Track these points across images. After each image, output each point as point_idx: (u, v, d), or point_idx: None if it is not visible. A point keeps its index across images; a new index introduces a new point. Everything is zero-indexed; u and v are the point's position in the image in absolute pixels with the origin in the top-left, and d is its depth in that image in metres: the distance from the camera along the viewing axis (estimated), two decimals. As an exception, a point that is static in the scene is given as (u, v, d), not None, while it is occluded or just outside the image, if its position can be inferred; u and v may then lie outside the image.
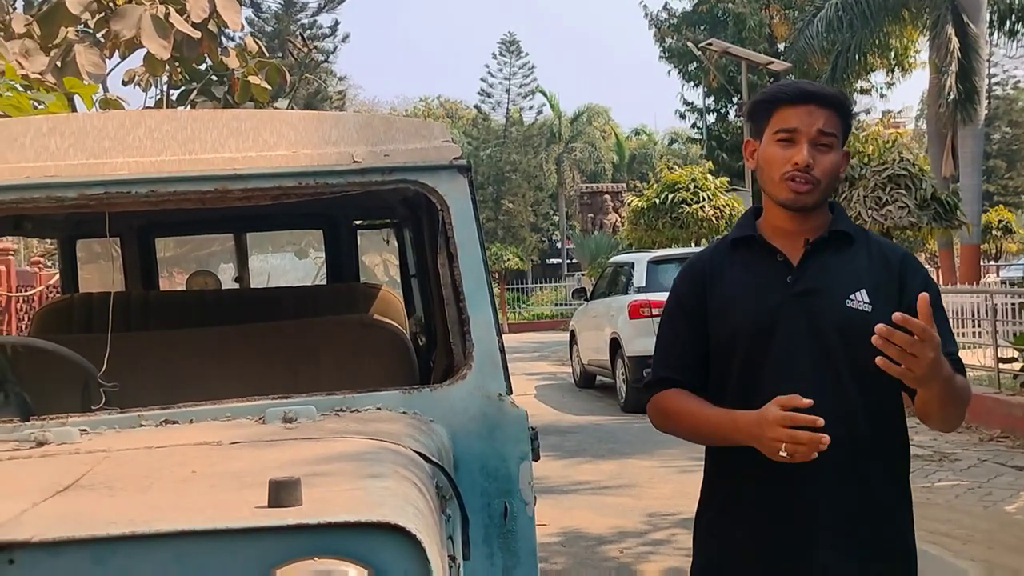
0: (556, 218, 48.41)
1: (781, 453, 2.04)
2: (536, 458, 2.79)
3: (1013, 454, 8.92)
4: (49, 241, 11.69)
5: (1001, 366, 10.76)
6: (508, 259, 31.83)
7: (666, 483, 8.14)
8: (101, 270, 6.22)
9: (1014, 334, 11.28)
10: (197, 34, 4.97)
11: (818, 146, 2.24)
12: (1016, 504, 7.23)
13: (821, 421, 2.01)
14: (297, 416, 2.44)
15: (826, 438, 2.00)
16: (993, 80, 42.04)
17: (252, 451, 2.13)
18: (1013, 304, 12.45)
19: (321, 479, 1.79)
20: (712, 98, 34.26)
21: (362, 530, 1.53)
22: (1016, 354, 10.86)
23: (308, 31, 36.51)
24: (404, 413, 2.60)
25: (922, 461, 8.73)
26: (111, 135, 2.69)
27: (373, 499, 1.67)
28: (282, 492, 1.57)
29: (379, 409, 2.60)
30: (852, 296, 2.25)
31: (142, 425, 2.51)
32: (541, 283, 37.55)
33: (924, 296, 2.02)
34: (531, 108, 47.77)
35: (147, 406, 2.61)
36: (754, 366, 2.24)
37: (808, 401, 2.03)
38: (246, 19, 35.31)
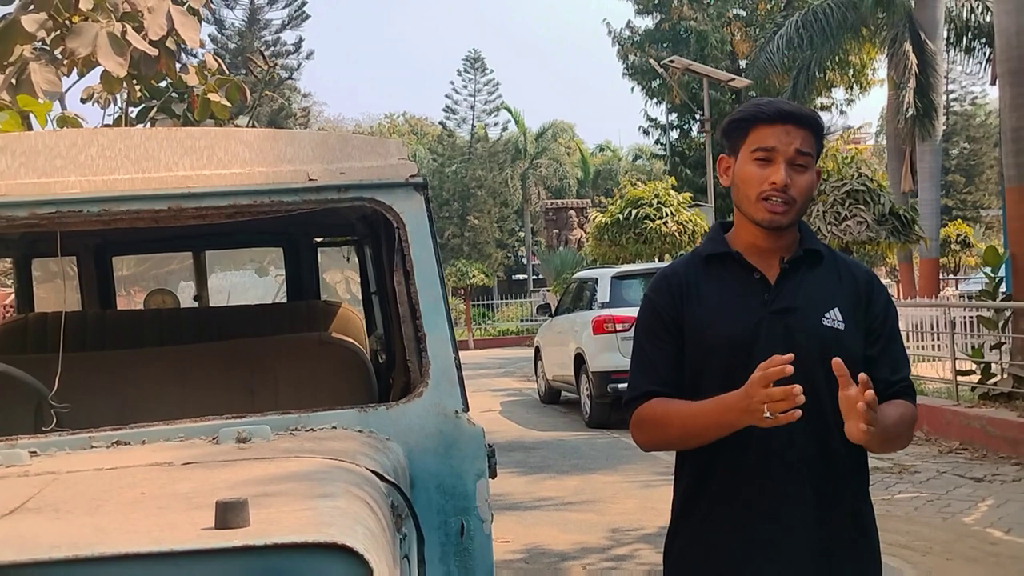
0: (521, 234, 48.49)
1: (765, 415, 2.03)
2: (493, 475, 2.79)
3: (971, 466, 9.03)
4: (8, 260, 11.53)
5: (959, 379, 10.89)
6: (473, 275, 31.80)
7: (629, 498, 8.15)
8: (58, 289, 6.15)
9: (972, 347, 11.43)
10: (154, 51, 4.93)
11: (795, 166, 2.26)
12: (974, 515, 7.31)
13: (790, 370, 2.00)
14: (251, 436, 2.43)
15: (798, 387, 1.99)
16: (951, 96, 42.71)
17: (203, 472, 2.12)
18: (971, 317, 12.62)
19: (271, 499, 1.78)
20: (675, 114, 34.54)
21: (310, 551, 1.52)
22: (974, 367, 11.00)
23: (272, 48, 36.39)
24: (360, 432, 2.59)
25: (882, 473, 8.81)
26: (63, 154, 2.67)
27: (322, 519, 1.66)
28: (229, 513, 1.56)
29: (334, 428, 2.60)
30: (827, 315, 2.29)
31: (93, 447, 2.48)
32: (507, 299, 37.57)
33: (839, 364, 2.05)
34: (496, 124, 47.91)
35: (101, 427, 2.58)
36: (732, 382, 2.21)
37: (788, 356, 2.02)
38: (209, 36, 35.19)
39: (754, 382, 2.06)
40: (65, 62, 5.17)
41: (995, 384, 10.53)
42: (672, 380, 2.35)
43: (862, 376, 2.04)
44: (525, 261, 47.38)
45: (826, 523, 2.27)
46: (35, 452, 2.40)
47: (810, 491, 2.25)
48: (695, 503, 2.39)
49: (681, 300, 2.37)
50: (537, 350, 16.03)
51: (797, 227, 2.40)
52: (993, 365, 10.75)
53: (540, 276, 41.01)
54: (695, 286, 2.38)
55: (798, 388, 1.99)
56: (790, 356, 2.02)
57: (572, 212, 41.67)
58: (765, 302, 2.30)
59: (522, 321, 33.30)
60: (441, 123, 48.54)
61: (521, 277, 47.04)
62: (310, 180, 2.74)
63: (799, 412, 2.01)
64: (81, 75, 5.83)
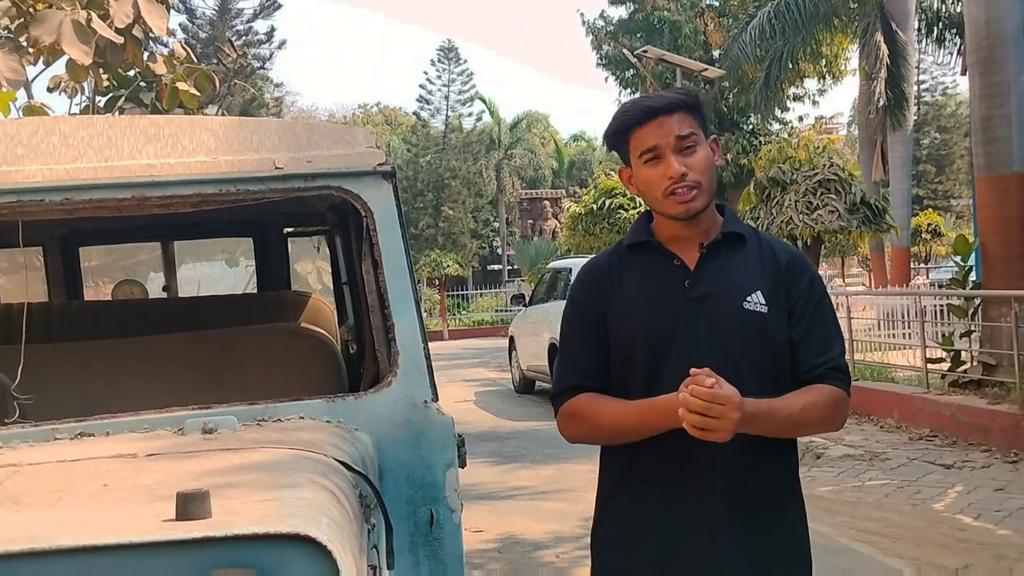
0: (496, 224, 48.41)
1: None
2: (462, 465, 2.78)
3: (941, 452, 9.10)
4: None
5: (929, 366, 10.98)
6: (448, 265, 31.74)
7: (603, 487, 8.15)
8: (27, 280, 6.08)
9: (942, 335, 11.52)
10: (120, 40, 4.87)
11: (683, 151, 2.26)
12: (944, 502, 7.38)
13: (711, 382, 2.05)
14: (217, 427, 2.41)
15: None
16: (922, 86, 42.96)
17: (167, 463, 2.09)
18: (941, 306, 12.72)
19: (234, 490, 1.76)
20: (649, 105, 34.47)
21: (272, 541, 1.51)
22: (944, 354, 11.09)
23: (243, 38, 36.08)
24: (328, 422, 2.57)
25: (853, 460, 8.88)
26: (24, 142, 2.64)
27: (285, 510, 1.64)
28: (190, 504, 1.54)
29: (302, 418, 2.58)
30: (749, 298, 2.28)
31: (56, 438, 2.45)
32: (481, 289, 37.56)
33: (697, 374, 2.06)
34: (470, 115, 47.78)
35: (65, 418, 2.55)
36: (656, 371, 2.25)
37: (711, 381, 2.04)
38: (180, 25, 34.84)
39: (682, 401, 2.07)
40: (30, 50, 5.10)
41: (965, 371, 10.62)
42: (598, 373, 2.34)
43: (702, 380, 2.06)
44: (500, 251, 47.30)
45: (752, 514, 2.27)
46: (-3, 444, 2.37)
47: (734, 481, 2.24)
48: (618, 495, 2.39)
49: (603, 292, 2.37)
50: (511, 340, 16.03)
51: (719, 211, 2.40)
52: (963, 353, 10.85)
53: (515, 266, 40.97)
54: (617, 277, 2.38)
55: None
56: (713, 381, 2.05)
57: (546, 202, 41.66)
58: (685, 289, 2.30)
59: (496, 311, 33.28)
60: (415, 113, 48.38)
61: (496, 267, 46.97)
62: (276, 168, 2.71)
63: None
64: (47, 64, 5.77)
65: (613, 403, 2.30)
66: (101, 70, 5.71)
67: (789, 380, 2.27)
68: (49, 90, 6.87)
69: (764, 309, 2.27)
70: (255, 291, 5.49)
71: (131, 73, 6.69)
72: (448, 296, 33.17)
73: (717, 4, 33.51)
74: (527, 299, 15.79)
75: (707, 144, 2.31)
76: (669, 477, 2.27)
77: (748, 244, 2.36)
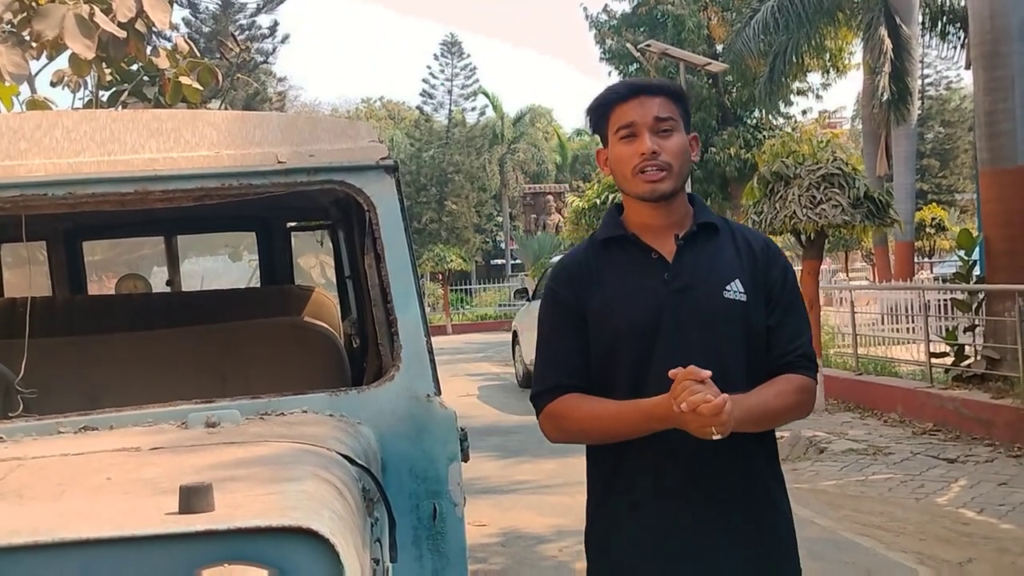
0: (500, 219, 48.38)
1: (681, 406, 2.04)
2: (465, 459, 2.78)
3: (945, 447, 9.10)
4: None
5: (933, 361, 10.96)
6: (451, 260, 31.70)
7: (606, 482, 8.15)
8: (30, 274, 6.09)
9: (946, 329, 11.51)
10: (123, 34, 4.86)
11: (659, 132, 2.28)
12: (947, 496, 7.37)
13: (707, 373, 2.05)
14: (220, 420, 2.41)
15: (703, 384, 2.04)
16: (926, 81, 42.88)
17: (171, 457, 2.10)
18: (945, 300, 12.70)
19: (237, 484, 1.76)
20: (652, 99, 34.44)
21: (274, 535, 1.51)
22: (947, 349, 11.08)
23: (247, 32, 36.08)
24: (331, 416, 2.58)
25: (856, 455, 8.88)
26: (27, 136, 2.64)
27: (287, 503, 1.64)
28: (193, 498, 1.55)
29: (305, 412, 2.58)
30: (728, 287, 2.30)
31: (60, 432, 2.46)
32: (485, 284, 37.56)
33: (683, 376, 2.06)
34: (473, 109, 47.70)
35: (69, 412, 2.56)
36: (642, 365, 2.25)
37: (706, 373, 2.05)
38: (183, 20, 34.83)
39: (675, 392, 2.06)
40: (33, 45, 5.10)
41: (968, 366, 10.61)
42: (580, 371, 2.34)
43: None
44: (503, 246, 47.30)
45: (740, 494, 2.29)
46: (1, 438, 2.38)
47: (724, 465, 2.25)
48: (606, 502, 2.40)
49: (582, 289, 2.36)
50: (515, 334, 16.04)
51: (689, 201, 2.41)
52: (967, 347, 10.83)
53: (518, 261, 40.97)
54: (596, 273, 2.37)
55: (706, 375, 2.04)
56: (708, 373, 2.05)
57: (550, 197, 41.69)
58: (665, 281, 2.30)
59: (500, 306, 33.30)
60: (418, 108, 48.32)
61: (499, 262, 46.96)
62: (279, 163, 2.71)
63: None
64: (50, 58, 5.76)
65: (600, 405, 2.29)
66: (104, 64, 5.70)
67: (766, 364, 2.30)
68: (52, 84, 6.86)
69: (744, 297, 2.29)
70: (258, 285, 5.49)
71: (134, 67, 6.68)
72: (451, 290, 33.15)
73: (721, -2, 33.43)
74: (530, 293, 15.80)
75: (685, 135, 2.33)
76: (656, 479, 2.28)
77: (721, 234, 2.38)
